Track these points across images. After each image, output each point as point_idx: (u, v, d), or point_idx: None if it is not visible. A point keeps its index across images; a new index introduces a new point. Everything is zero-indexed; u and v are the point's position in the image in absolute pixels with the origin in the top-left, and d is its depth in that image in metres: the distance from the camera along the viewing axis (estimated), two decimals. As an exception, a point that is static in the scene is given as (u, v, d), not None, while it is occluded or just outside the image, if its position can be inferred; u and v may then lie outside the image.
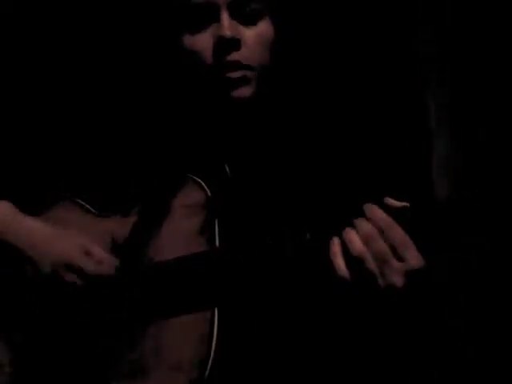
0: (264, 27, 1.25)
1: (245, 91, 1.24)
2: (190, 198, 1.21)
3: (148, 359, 1.14)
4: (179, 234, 1.19)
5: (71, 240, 1.22)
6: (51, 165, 1.41)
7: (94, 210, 1.32)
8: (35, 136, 1.49)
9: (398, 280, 1.01)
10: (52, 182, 1.37)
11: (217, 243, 1.15)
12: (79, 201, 1.33)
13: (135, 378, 1.14)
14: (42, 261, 1.20)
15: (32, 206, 1.30)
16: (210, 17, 1.22)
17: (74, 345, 1.19)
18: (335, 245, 1.06)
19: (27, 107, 1.56)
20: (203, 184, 1.20)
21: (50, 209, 1.33)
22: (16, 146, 1.47)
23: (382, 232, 1.02)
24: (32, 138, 1.48)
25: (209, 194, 1.19)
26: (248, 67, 1.23)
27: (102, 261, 1.20)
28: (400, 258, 1.02)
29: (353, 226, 1.05)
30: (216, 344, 1.09)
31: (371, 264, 1.02)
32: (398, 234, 1.02)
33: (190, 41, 1.23)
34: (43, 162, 1.43)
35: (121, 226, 1.26)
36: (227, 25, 1.20)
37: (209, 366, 1.08)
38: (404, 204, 1.05)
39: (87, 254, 1.20)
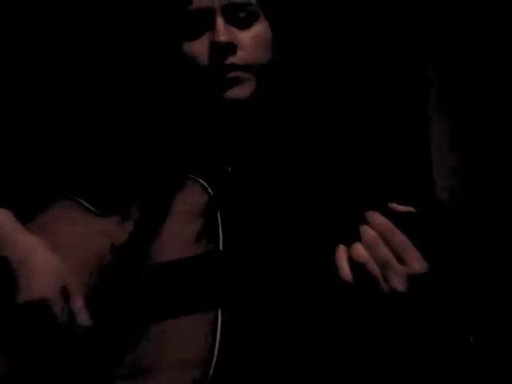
0: (260, 29, 1.26)
1: (240, 91, 1.24)
2: (192, 199, 1.21)
3: (149, 360, 1.13)
4: (181, 235, 1.19)
5: (56, 281, 1.17)
6: (51, 164, 1.41)
7: (94, 210, 1.32)
8: (35, 135, 1.49)
9: (400, 284, 1.01)
10: (52, 181, 1.37)
11: (220, 244, 1.15)
12: (79, 200, 1.33)
13: (136, 379, 1.14)
14: (23, 285, 1.18)
15: (32, 205, 1.30)
16: (206, 23, 1.22)
17: (75, 346, 1.19)
18: (340, 250, 1.06)
19: (28, 107, 1.56)
20: (205, 185, 1.21)
21: (50, 208, 1.32)
22: (16, 145, 1.47)
23: (383, 237, 1.03)
24: (32, 138, 1.48)
25: (211, 194, 1.19)
26: (244, 68, 1.23)
27: (75, 316, 1.17)
28: (403, 263, 1.02)
29: (355, 228, 1.05)
30: (219, 344, 1.09)
31: (374, 269, 1.02)
32: (400, 238, 1.03)
33: (187, 47, 1.24)
34: (43, 161, 1.43)
35: (122, 226, 1.26)
36: (222, 30, 1.21)
37: (212, 367, 1.08)
38: (408, 208, 1.05)
39: (66, 297, 1.17)
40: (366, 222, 1.05)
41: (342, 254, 1.06)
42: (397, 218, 1.04)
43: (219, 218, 1.16)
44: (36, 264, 1.16)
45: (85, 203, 1.32)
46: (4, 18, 1.60)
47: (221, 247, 1.15)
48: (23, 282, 1.14)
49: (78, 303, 1.17)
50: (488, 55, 1.62)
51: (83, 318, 1.17)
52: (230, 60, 1.22)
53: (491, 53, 1.61)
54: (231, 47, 1.22)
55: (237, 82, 1.23)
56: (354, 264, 1.04)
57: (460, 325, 1.17)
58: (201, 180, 1.21)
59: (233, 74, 1.23)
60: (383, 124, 1.56)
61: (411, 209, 1.06)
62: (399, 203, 1.06)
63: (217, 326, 1.10)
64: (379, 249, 1.02)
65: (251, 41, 1.24)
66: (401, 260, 1.02)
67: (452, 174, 1.58)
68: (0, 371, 1.19)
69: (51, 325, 1.15)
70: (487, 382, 1.30)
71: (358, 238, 1.05)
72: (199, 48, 1.23)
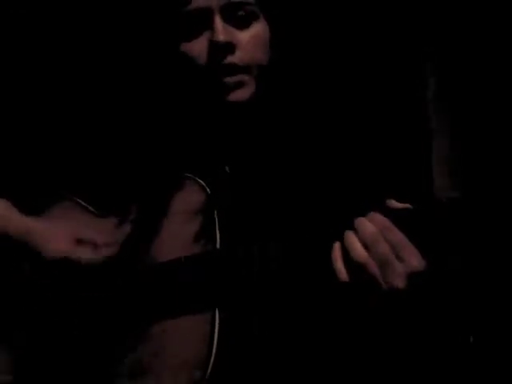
0: (259, 28, 1.26)
1: (241, 94, 1.24)
2: (190, 199, 1.21)
3: (149, 360, 1.13)
4: (180, 235, 1.19)
5: (60, 233, 1.22)
6: (51, 164, 1.41)
7: (93, 210, 1.32)
8: (35, 135, 1.49)
9: (399, 282, 1.01)
10: (52, 181, 1.37)
11: (218, 244, 1.15)
12: (79, 200, 1.33)
13: (136, 379, 1.14)
14: (38, 259, 1.20)
15: (32, 205, 1.30)
16: (204, 22, 1.22)
17: (75, 345, 1.19)
18: (336, 249, 1.06)
19: (28, 107, 1.56)
20: (203, 184, 1.20)
21: (50, 208, 1.33)
22: (16, 145, 1.47)
23: (382, 235, 1.03)
24: (32, 138, 1.49)
25: (209, 194, 1.19)
26: (244, 70, 1.23)
27: (96, 245, 1.21)
28: (401, 260, 1.02)
29: (353, 229, 1.05)
30: (217, 344, 1.09)
31: (373, 268, 1.02)
32: (397, 236, 1.02)
33: (186, 47, 1.24)
34: (43, 161, 1.43)
35: (121, 226, 1.26)
36: (220, 29, 1.21)
37: (210, 367, 1.08)
38: (406, 205, 1.05)
39: (80, 242, 1.21)
40: (364, 219, 1.04)
41: (337, 253, 1.05)
42: (394, 215, 1.03)
43: (216, 218, 1.16)
44: (43, 228, 1.22)
45: (84, 203, 1.32)
46: (4, 18, 1.60)
47: (218, 246, 1.14)
48: (40, 242, 1.20)
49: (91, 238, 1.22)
50: (488, 55, 1.62)
51: (107, 248, 1.22)
52: (229, 60, 1.22)
53: (491, 52, 1.61)
54: (230, 47, 1.21)
55: (238, 85, 1.23)
56: (352, 263, 1.03)
57: (460, 324, 1.17)
58: (199, 179, 1.21)
59: (234, 78, 1.22)
60: (382, 123, 1.56)
61: (408, 206, 1.05)
62: (397, 200, 1.06)
63: (215, 326, 1.10)
64: (378, 246, 1.02)
65: (250, 41, 1.24)
66: (399, 257, 1.02)
67: (452, 173, 1.57)
68: (1, 370, 1.20)
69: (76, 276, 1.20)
70: (487, 381, 1.30)
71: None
72: (198, 48, 1.23)
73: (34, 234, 1.22)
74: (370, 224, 1.03)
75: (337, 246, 1.06)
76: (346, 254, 1.04)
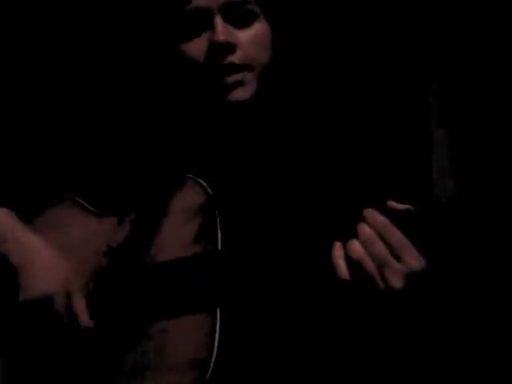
0: (259, 28, 1.25)
1: (241, 93, 1.24)
2: (191, 199, 1.21)
3: (149, 359, 1.13)
4: (181, 235, 1.19)
5: (59, 279, 1.18)
6: (52, 165, 1.41)
7: (94, 210, 1.32)
8: (36, 135, 1.49)
9: (397, 282, 1.01)
10: (52, 181, 1.37)
11: (219, 244, 1.15)
12: (80, 200, 1.33)
13: (136, 379, 1.14)
14: (26, 284, 1.19)
15: (32, 205, 1.30)
16: (204, 22, 1.22)
17: (76, 345, 1.19)
18: (337, 248, 1.06)
19: (28, 107, 1.56)
20: (204, 184, 1.20)
21: (51, 208, 1.33)
22: (17, 145, 1.47)
23: (381, 235, 1.03)
24: (32, 138, 1.48)
25: (210, 194, 1.19)
26: (245, 68, 1.23)
27: (77, 317, 1.18)
28: (400, 260, 1.02)
29: (354, 230, 1.05)
30: (218, 344, 1.09)
31: (371, 267, 1.02)
32: (397, 236, 1.03)
33: (186, 47, 1.24)
34: (44, 161, 1.43)
35: (122, 226, 1.26)
36: (220, 29, 1.21)
37: (211, 367, 1.08)
38: (407, 206, 1.05)
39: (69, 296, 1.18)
40: (364, 220, 1.05)
41: (338, 251, 1.06)
42: (394, 216, 1.04)
43: (218, 218, 1.16)
44: (39, 262, 1.18)
45: (85, 203, 1.32)
46: (4, 18, 1.60)
47: (219, 247, 1.14)
48: (27, 280, 1.16)
49: (80, 304, 1.18)
50: (489, 55, 1.62)
51: (84, 319, 1.18)
52: (229, 60, 1.22)
53: (492, 52, 1.61)
54: (230, 47, 1.21)
55: (239, 84, 1.23)
56: (351, 261, 1.04)
57: (458, 322, 1.17)
58: (200, 180, 1.21)
59: (234, 77, 1.22)
60: (382, 122, 1.56)
61: (409, 206, 1.05)
62: (397, 201, 1.06)
63: (216, 326, 1.10)
64: (376, 246, 1.02)
65: (250, 40, 1.24)
66: (398, 258, 1.02)
67: (452, 173, 1.58)
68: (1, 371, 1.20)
69: (52, 323, 1.17)
70: (487, 381, 1.30)
71: (356, 236, 1.05)
72: (198, 47, 1.23)
73: (30, 257, 1.19)
74: (368, 224, 1.04)
75: (338, 244, 1.06)
76: (347, 252, 1.04)
